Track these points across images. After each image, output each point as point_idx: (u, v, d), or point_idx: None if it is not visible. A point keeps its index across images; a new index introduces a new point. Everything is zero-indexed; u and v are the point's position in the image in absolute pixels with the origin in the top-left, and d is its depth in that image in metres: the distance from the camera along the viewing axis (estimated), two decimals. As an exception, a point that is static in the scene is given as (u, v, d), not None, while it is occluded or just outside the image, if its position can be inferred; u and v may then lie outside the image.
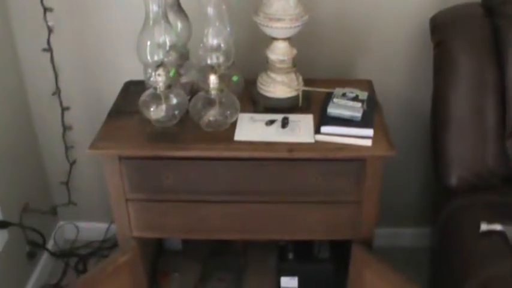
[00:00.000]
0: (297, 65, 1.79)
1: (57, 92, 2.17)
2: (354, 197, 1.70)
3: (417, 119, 2.15)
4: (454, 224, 1.74)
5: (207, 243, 2.18)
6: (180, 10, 1.75)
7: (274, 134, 1.66)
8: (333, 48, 2.06)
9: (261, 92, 1.79)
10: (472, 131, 1.78)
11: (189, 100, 1.70)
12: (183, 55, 1.76)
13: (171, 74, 1.67)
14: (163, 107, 1.66)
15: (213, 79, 1.62)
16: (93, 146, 1.65)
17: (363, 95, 1.74)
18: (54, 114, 2.22)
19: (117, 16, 2.03)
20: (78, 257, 2.42)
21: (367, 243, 1.77)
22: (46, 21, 2.03)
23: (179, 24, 1.74)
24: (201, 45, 1.64)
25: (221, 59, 1.65)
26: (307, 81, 1.80)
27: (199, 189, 1.70)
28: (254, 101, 1.81)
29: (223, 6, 1.65)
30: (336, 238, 1.84)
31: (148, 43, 1.62)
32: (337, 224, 1.75)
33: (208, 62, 1.64)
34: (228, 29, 1.69)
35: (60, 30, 2.07)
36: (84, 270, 2.37)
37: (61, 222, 2.50)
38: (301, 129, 1.67)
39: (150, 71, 1.69)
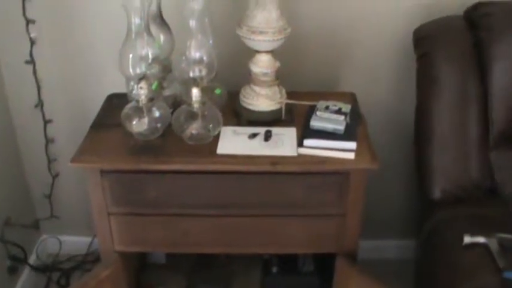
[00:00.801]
0: (280, 77, 1.79)
1: (40, 104, 2.15)
2: (338, 209, 1.69)
3: (401, 132, 2.16)
4: (438, 236, 1.74)
5: (191, 256, 2.16)
6: (162, 23, 1.74)
7: (257, 147, 1.65)
8: (316, 61, 2.06)
9: (244, 105, 1.79)
10: (455, 143, 1.78)
11: (172, 113, 1.69)
12: (165, 68, 1.75)
13: (154, 86, 1.66)
14: (146, 120, 1.65)
15: (195, 92, 1.61)
16: (75, 159, 1.63)
17: (346, 107, 1.74)
18: (37, 126, 2.20)
19: (100, 28, 2.02)
20: (60, 271, 2.40)
21: (352, 256, 1.76)
22: (28, 33, 2.02)
23: (162, 37, 1.74)
24: (184, 58, 1.64)
25: (204, 72, 1.64)
26: (290, 94, 1.80)
27: (182, 203, 1.69)
28: (237, 114, 1.80)
29: (206, 19, 1.66)
30: (319, 251, 1.83)
31: (131, 56, 1.61)
32: (321, 237, 1.74)
33: (191, 74, 1.64)
34: (211, 41, 1.69)
35: (42, 42, 2.05)
36: (67, 285, 2.35)
37: (44, 236, 2.47)
38: (284, 143, 1.67)
39: (132, 83, 1.68)
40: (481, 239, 1.61)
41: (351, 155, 1.61)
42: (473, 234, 1.61)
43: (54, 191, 2.35)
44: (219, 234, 1.75)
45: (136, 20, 1.59)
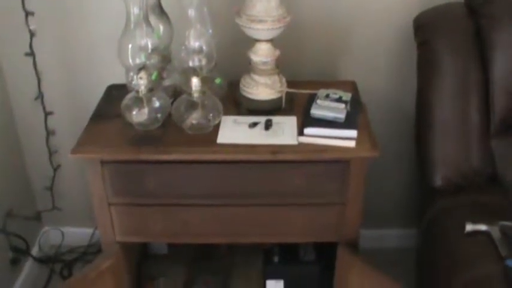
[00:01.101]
0: (280, 66, 1.78)
1: (40, 96, 2.15)
2: (339, 198, 1.69)
3: (402, 120, 2.15)
4: (439, 225, 1.74)
5: (192, 246, 2.16)
6: (161, 12, 1.74)
7: (257, 137, 1.65)
8: (317, 50, 2.06)
9: (244, 94, 1.78)
10: (456, 131, 1.78)
11: (172, 103, 1.69)
12: (165, 58, 1.75)
13: (153, 77, 1.66)
14: (146, 110, 1.65)
15: (195, 82, 1.61)
16: (75, 150, 1.63)
17: (347, 96, 1.73)
18: (38, 118, 2.20)
19: (99, 19, 2.01)
20: (63, 263, 2.41)
21: (353, 245, 1.76)
22: (28, 25, 2.02)
23: (161, 27, 1.73)
24: (183, 47, 1.64)
25: (203, 62, 1.64)
26: (290, 83, 1.80)
27: (183, 193, 1.69)
28: (237, 103, 1.80)
29: (205, 9, 1.65)
30: (321, 240, 1.83)
31: (130, 46, 1.61)
32: (322, 226, 1.74)
33: (191, 64, 1.64)
34: (210, 31, 1.68)
35: (42, 34, 2.05)
36: (70, 276, 2.35)
37: (46, 228, 2.48)
38: (284, 131, 1.67)
39: (132, 74, 1.67)
40: (483, 227, 1.61)
41: (352, 143, 1.61)
42: (475, 222, 1.61)
43: (56, 183, 2.35)
44: (219, 224, 1.75)
45: (135, 10, 1.58)
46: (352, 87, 1.89)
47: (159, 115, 1.67)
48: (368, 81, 2.04)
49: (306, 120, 1.66)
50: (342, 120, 1.64)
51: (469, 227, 1.61)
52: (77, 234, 2.45)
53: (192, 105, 1.64)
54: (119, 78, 1.82)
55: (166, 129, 1.69)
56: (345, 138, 1.61)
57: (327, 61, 2.08)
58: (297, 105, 1.78)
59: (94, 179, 1.67)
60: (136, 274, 2.05)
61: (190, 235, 1.77)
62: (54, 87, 2.16)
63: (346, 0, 1.98)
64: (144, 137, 1.67)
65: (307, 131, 1.63)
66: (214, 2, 1.73)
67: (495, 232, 1.59)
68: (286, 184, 1.66)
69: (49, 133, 2.24)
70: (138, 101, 1.64)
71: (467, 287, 1.50)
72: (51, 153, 2.28)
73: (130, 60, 1.62)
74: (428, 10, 1.88)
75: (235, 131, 1.67)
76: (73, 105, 2.19)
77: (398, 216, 2.40)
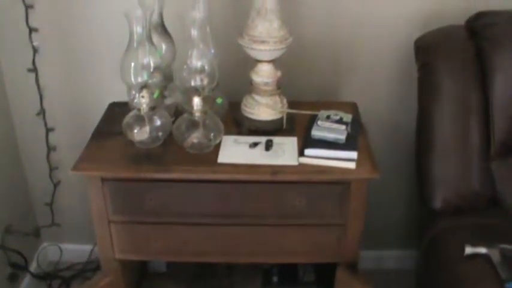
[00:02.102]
0: (282, 87, 1.79)
1: (42, 112, 2.16)
2: (339, 219, 1.69)
3: (402, 141, 2.16)
4: (438, 247, 1.74)
5: (191, 265, 2.16)
6: (164, 32, 1.75)
7: (258, 157, 1.65)
8: (318, 71, 2.07)
9: (245, 114, 1.79)
10: (456, 153, 1.78)
11: (173, 122, 1.69)
12: (167, 77, 1.76)
13: (155, 95, 1.66)
14: (147, 128, 1.66)
15: (197, 101, 1.61)
16: (76, 167, 1.64)
17: (348, 117, 1.74)
18: (39, 134, 2.21)
19: (102, 37, 2.02)
20: (61, 279, 2.39)
21: (352, 266, 1.76)
22: (31, 42, 2.03)
23: (163, 46, 1.74)
24: (185, 67, 1.64)
25: (205, 81, 1.64)
26: (291, 104, 1.80)
27: (183, 212, 1.69)
28: (238, 123, 1.80)
29: (208, 29, 1.66)
30: (320, 261, 1.83)
31: (132, 64, 1.61)
32: (321, 247, 1.74)
33: (192, 84, 1.64)
34: (212, 51, 1.69)
35: (45, 51, 2.06)
36: (68, 293, 2.35)
37: (44, 244, 2.48)
38: (285, 152, 1.67)
39: (133, 92, 1.68)
40: (482, 250, 1.60)
41: (352, 165, 1.61)
42: (474, 244, 1.61)
43: (55, 199, 2.35)
44: (219, 244, 1.74)
45: (138, 29, 1.59)
46: (352, 108, 1.89)
47: (160, 133, 1.68)
48: (369, 102, 2.05)
49: (307, 141, 1.66)
50: (343, 142, 1.65)
51: (469, 250, 1.61)
52: (75, 251, 2.44)
53: (193, 125, 1.64)
54: (121, 96, 1.83)
55: (167, 148, 1.69)
56: (346, 160, 1.62)
57: (328, 82, 2.09)
58: (297, 125, 1.79)
59: (94, 196, 1.67)
60: (134, 292, 2.04)
61: (189, 254, 1.77)
62: (56, 103, 2.16)
63: (347, 22, 1.99)
64: (145, 155, 1.68)
65: (308, 151, 1.63)
66: (216, 22, 1.74)
67: (495, 255, 1.59)
68: (286, 204, 1.66)
69: (50, 149, 2.24)
70: (140, 119, 1.65)
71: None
72: (51, 169, 2.28)
73: (133, 79, 1.63)
74: (429, 32, 1.89)
75: (235, 151, 1.68)
76: (74, 121, 2.19)
77: (397, 237, 2.40)
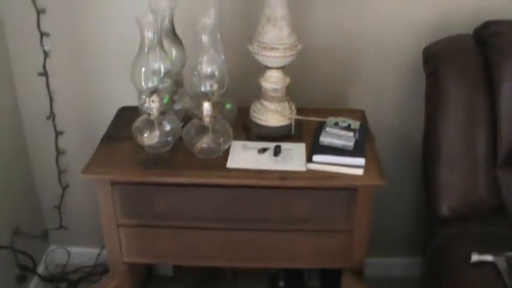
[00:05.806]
0: (290, 93, 1.80)
1: (52, 116, 2.18)
2: (345, 225, 1.70)
3: (409, 149, 2.16)
4: (444, 255, 1.74)
5: (197, 269, 2.16)
6: (175, 37, 1.76)
7: (266, 162, 1.66)
8: (327, 78, 2.08)
9: (254, 120, 1.80)
10: (463, 161, 1.78)
11: (183, 127, 1.70)
12: (177, 82, 1.77)
13: (165, 100, 1.68)
14: (157, 133, 1.67)
15: (206, 106, 1.63)
16: (85, 170, 1.65)
17: (356, 124, 1.75)
18: (48, 138, 2.22)
19: (113, 42, 2.04)
20: (68, 282, 2.40)
21: (358, 272, 1.77)
22: (42, 46, 2.04)
23: (174, 52, 1.75)
24: (195, 72, 1.65)
25: (215, 87, 1.65)
26: (300, 110, 1.81)
27: (191, 216, 1.70)
28: (247, 129, 1.81)
29: (218, 35, 1.67)
30: (326, 267, 1.83)
31: (143, 69, 1.63)
32: (328, 253, 1.75)
33: (202, 89, 1.65)
34: (222, 57, 1.70)
35: (56, 55, 2.08)
36: (74, 296, 2.36)
37: (52, 247, 2.49)
38: (293, 158, 1.68)
39: (144, 97, 1.69)
40: (488, 258, 1.60)
41: (360, 171, 1.62)
42: (480, 252, 1.61)
43: (64, 202, 2.36)
44: (226, 248, 1.75)
45: (149, 35, 1.60)
46: (361, 115, 1.90)
47: (169, 138, 1.69)
48: (377, 110, 2.06)
49: (315, 148, 1.68)
50: (351, 148, 1.66)
51: (475, 258, 1.61)
52: (83, 254, 2.45)
53: (202, 130, 1.65)
54: (131, 101, 1.84)
55: (177, 153, 1.71)
56: (353, 166, 1.63)
57: (337, 89, 2.10)
58: (306, 132, 1.80)
59: (104, 199, 1.68)
60: (141, 295, 2.06)
61: (197, 258, 1.78)
62: (66, 107, 2.18)
63: (356, 30, 2.00)
64: (154, 160, 1.69)
65: (316, 158, 1.64)
66: (226, 29, 1.76)
67: (501, 263, 1.59)
68: (294, 210, 1.67)
69: (59, 152, 2.25)
70: (150, 124, 1.66)
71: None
72: (60, 172, 2.29)
73: (143, 83, 1.64)
74: (437, 41, 1.90)
75: (244, 156, 1.69)
76: (84, 125, 2.21)
77: (403, 245, 2.40)
